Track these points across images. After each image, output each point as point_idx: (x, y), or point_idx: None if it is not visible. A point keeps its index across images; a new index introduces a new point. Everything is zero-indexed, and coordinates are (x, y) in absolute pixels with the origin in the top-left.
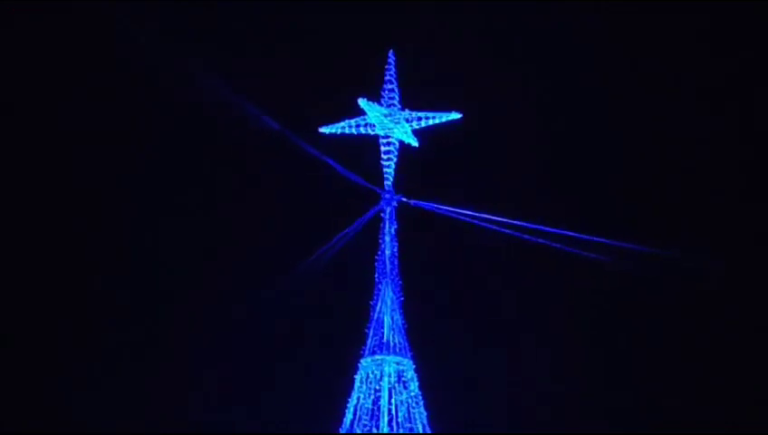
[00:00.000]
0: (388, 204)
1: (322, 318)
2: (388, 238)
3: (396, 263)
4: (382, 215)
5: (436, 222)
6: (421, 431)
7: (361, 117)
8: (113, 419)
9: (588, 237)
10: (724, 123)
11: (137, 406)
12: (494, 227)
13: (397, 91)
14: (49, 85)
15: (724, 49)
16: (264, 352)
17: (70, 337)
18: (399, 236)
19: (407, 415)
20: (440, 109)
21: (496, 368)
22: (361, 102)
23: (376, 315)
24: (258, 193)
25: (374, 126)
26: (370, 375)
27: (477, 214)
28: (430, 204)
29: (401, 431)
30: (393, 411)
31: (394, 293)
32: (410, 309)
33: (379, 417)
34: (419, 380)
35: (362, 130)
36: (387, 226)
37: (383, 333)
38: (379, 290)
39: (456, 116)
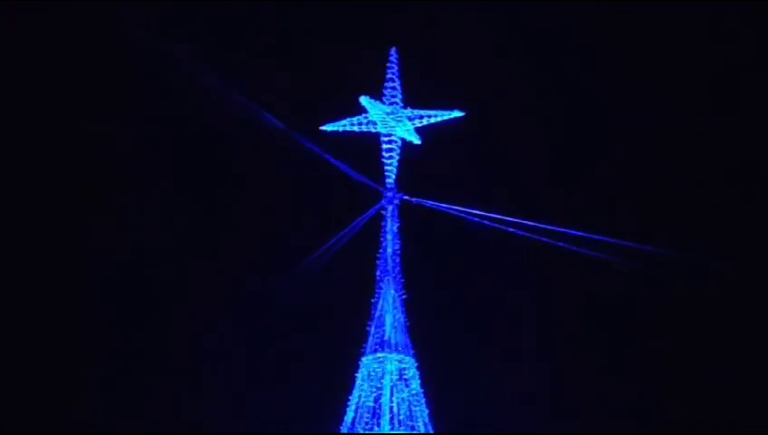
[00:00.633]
0: (390, 202)
1: (324, 316)
2: (389, 236)
3: (398, 261)
4: (384, 213)
5: (438, 220)
6: (423, 430)
7: (363, 115)
8: (112, 419)
9: (590, 235)
10: (728, 122)
11: (137, 406)
12: (496, 226)
13: (399, 89)
14: (50, 85)
15: (727, 48)
16: (265, 350)
17: (69, 338)
18: (401, 233)
19: (408, 413)
20: (443, 107)
21: (498, 366)
22: (363, 100)
23: (378, 313)
24: (261, 191)
25: (376, 124)
26: (372, 373)
27: (479, 212)
28: (432, 202)
29: (402, 429)
30: (395, 409)
31: (396, 290)
32: (412, 307)
33: (380, 415)
34: (421, 378)
35: (364, 127)
36: (389, 223)
37: (385, 331)
38: (381, 288)
39: (458, 114)
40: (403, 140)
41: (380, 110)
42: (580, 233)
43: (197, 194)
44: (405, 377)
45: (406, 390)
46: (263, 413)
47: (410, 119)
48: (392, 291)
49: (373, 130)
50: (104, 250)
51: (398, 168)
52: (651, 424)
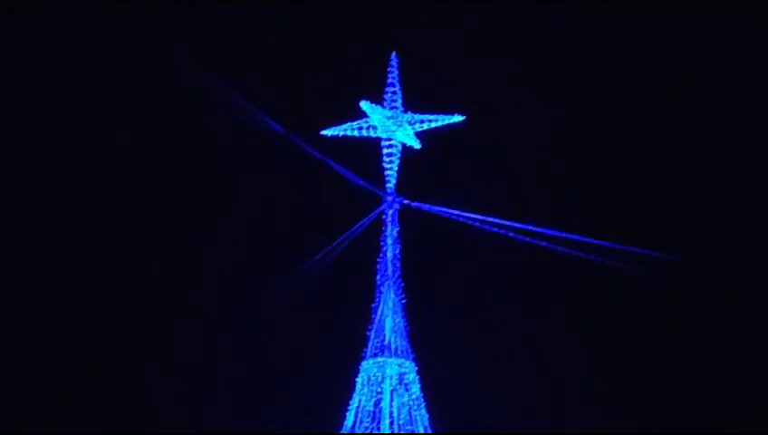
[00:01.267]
0: (391, 206)
1: (324, 320)
2: (390, 241)
3: (398, 265)
4: (384, 217)
5: (439, 225)
6: (423, 434)
7: (364, 119)
8: (110, 419)
9: (591, 241)
10: (727, 124)
11: (137, 406)
12: (497, 230)
13: (399, 93)
14: (49, 85)
15: (728, 52)
16: (265, 355)
17: (67, 338)
18: (401, 238)
19: (408, 418)
20: (443, 111)
21: (499, 371)
22: (363, 105)
23: (378, 318)
24: (260, 195)
25: (376, 128)
26: (372, 378)
27: (480, 217)
28: (433, 206)
29: (403, 434)
30: (394, 414)
31: (396, 295)
32: (412, 311)
33: (380, 419)
34: (421, 382)
35: (364, 132)
36: (389, 228)
37: (385, 336)
38: (381, 292)
39: (458, 118)
40: (403, 144)
41: (381, 114)
42: (584, 238)
43: (197, 197)
44: (405, 381)
45: (406, 394)
46: (262, 417)
47: (410, 123)
48: (392, 295)
49: (373, 135)
50: (102, 250)
51: (399, 172)
52: (650, 425)
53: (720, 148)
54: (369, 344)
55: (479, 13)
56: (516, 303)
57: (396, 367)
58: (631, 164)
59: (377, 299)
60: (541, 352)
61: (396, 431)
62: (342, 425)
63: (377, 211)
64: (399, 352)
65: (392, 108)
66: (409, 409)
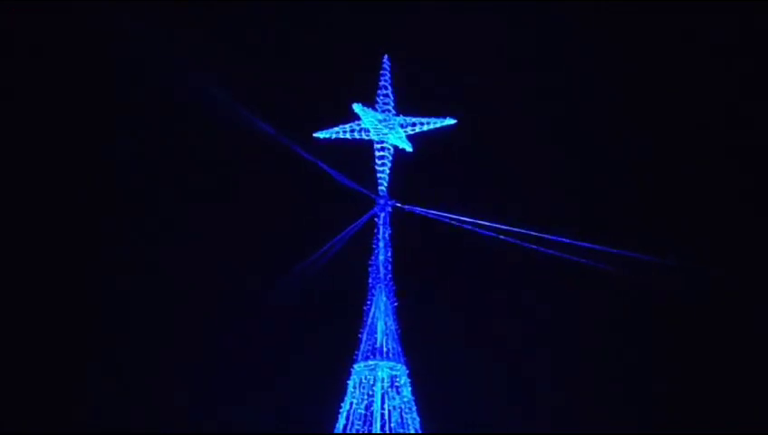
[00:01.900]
0: (383, 209)
1: (316, 323)
2: (381, 244)
3: (389, 268)
4: (376, 220)
5: (431, 227)
6: None
7: (356, 122)
8: (106, 418)
9: (581, 243)
10: (724, 129)
11: (132, 406)
12: (489, 233)
13: (392, 96)
14: (47, 86)
15: (724, 54)
16: (257, 357)
17: (65, 339)
18: (393, 241)
19: (399, 420)
20: (435, 114)
21: (490, 374)
22: (356, 108)
23: (369, 320)
24: (253, 198)
25: (369, 131)
26: (363, 380)
27: (471, 219)
28: (425, 209)
29: None
30: (386, 417)
31: (388, 298)
32: (404, 314)
33: (371, 422)
34: (412, 385)
35: (357, 135)
36: (381, 231)
37: (376, 339)
38: (373, 295)
39: (450, 122)
40: (395, 147)
41: (373, 117)
42: (574, 241)
43: (189, 200)
44: (396, 384)
45: (397, 397)
46: (255, 419)
47: (402, 126)
48: (384, 298)
49: (366, 138)
50: (99, 253)
51: (391, 175)
52: (647, 425)
53: (719, 152)
54: (361, 347)
55: (471, 17)
56: (509, 306)
57: (387, 370)
58: (624, 168)
59: (369, 302)
60: (532, 354)
61: (387, 434)
62: (334, 428)
63: (369, 214)
64: (391, 355)
65: (384, 111)
66: (401, 412)
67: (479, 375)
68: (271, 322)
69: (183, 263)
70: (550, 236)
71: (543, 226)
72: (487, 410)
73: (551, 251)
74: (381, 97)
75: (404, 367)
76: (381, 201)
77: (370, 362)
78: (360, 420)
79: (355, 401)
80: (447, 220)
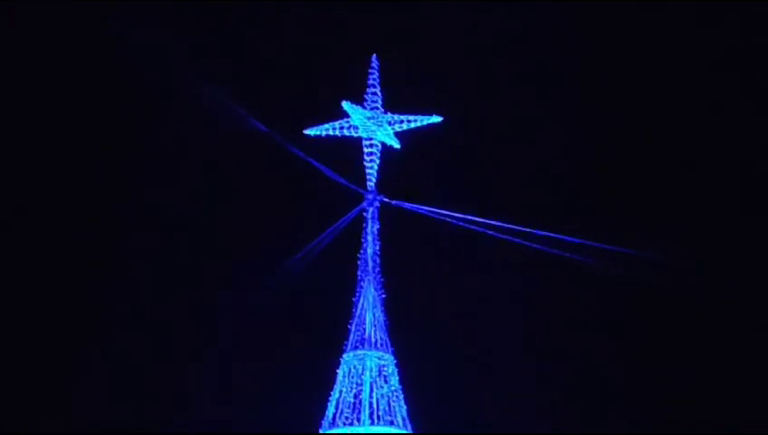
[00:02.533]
0: (371, 204)
1: (307, 314)
2: (370, 238)
3: (378, 261)
4: (365, 214)
5: (417, 222)
6: (401, 425)
7: (345, 119)
8: (102, 418)
9: (564, 238)
10: (700, 122)
11: (126, 401)
12: (474, 227)
13: (380, 94)
14: (46, 86)
15: (701, 51)
16: (248, 348)
17: (64, 339)
18: (381, 235)
19: (387, 409)
20: (422, 112)
21: (476, 364)
22: (345, 105)
23: (358, 312)
24: (245, 193)
25: (357, 128)
26: (352, 370)
27: (457, 214)
28: (412, 204)
29: (382, 425)
30: (374, 405)
31: (376, 290)
32: (391, 306)
33: (360, 410)
34: (400, 374)
35: (346, 132)
36: (369, 225)
37: (365, 329)
38: (362, 287)
39: (437, 119)
40: (383, 143)
41: (361, 114)
42: (556, 235)
43: (181, 195)
44: (384, 374)
45: (385, 386)
46: (246, 408)
47: (390, 123)
48: (372, 290)
49: (354, 135)
50: (94, 247)
51: (379, 171)
52: (626, 419)
53: (703, 150)
54: (350, 337)
55: (457, 17)
56: (493, 297)
57: (375, 359)
58: (608, 163)
59: (357, 294)
60: (516, 343)
61: (375, 422)
62: (324, 415)
63: (357, 209)
64: (379, 345)
65: (373, 108)
66: (388, 400)
67: (464, 365)
68: (261, 313)
69: (174, 258)
70: (532, 231)
71: (526, 219)
72: (472, 399)
73: (534, 245)
74: (370, 95)
75: (392, 357)
76: (370, 196)
77: (359, 352)
78: (348, 407)
79: (344, 389)
80: (434, 215)
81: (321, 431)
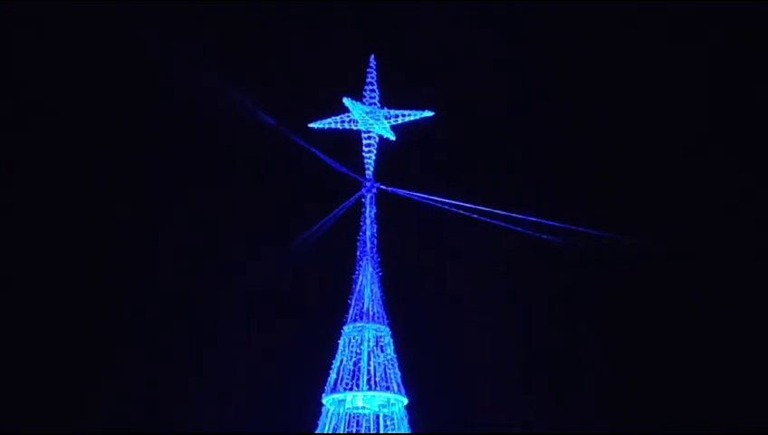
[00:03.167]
0: (369, 191)
1: (311, 290)
2: (368, 221)
3: (375, 242)
4: (363, 200)
5: (411, 206)
6: (395, 390)
7: (346, 114)
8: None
9: (538, 220)
10: (670, 111)
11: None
12: (462, 212)
13: (377, 91)
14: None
15: (663, 44)
16: (256, 320)
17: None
18: (378, 218)
19: (383, 375)
20: (415, 107)
21: (462, 333)
22: (346, 101)
23: (357, 288)
24: (255, 182)
25: (357, 122)
26: (352, 340)
27: (447, 199)
28: (405, 191)
29: (378, 390)
30: (372, 372)
31: (373, 268)
32: (388, 282)
33: (359, 376)
34: (395, 344)
35: (347, 125)
36: (367, 209)
37: (363, 304)
38: (361, 266)
39: (428, 114)
40: (380, 136)
41: (360, 109)
42: (531, 218)
43: (199, 183)
44: (381, 344)
45: (381, 355)
46: (256, 374)
47: (386, 117)
48: (370, 268)
49: (354, 128)
50: (101, 239)
51: (376, 161)
52: (606, 393)
53: (684, 140)
54: (350, 311)
55: (447, 23)
56: (479, 275)
57: (373, 331)
58: (581, 151)
59: (356, 272)
60: (500, 316)
61: (373, 387)
62: (326, 381)
63: (357, 195)
64: (376, 317)
65: (371, 104)
66: (385, 368)
67: (453, 335)
68: (270, 289)
69: (192, 239)
70: (511, 214)
71: (508, 205)
72: (460, 366)
73: (512, 227)
74: (368, 92)
75: (387, 328)
76: (368, 184)
77: (358, 324)
78: (348, 374)
79: (345, 357)
80: (426, 200)
81: (324, 395)
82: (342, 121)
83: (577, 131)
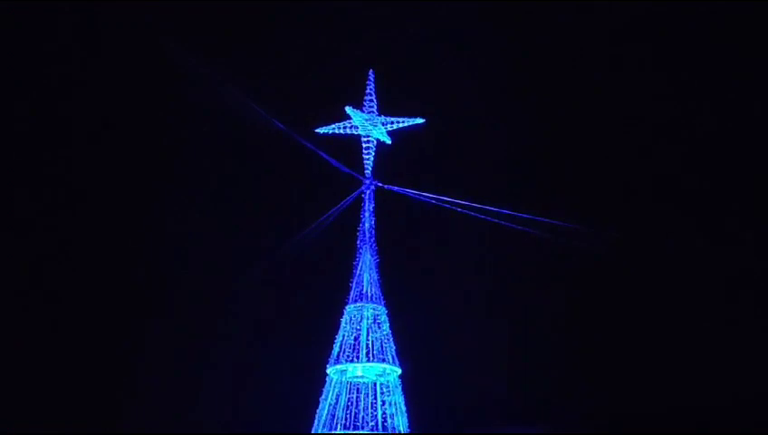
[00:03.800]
0: (368, 188)
1: (317, 274)
2: (367, 214)
3: (373, 233)
4: (363, 196)
5: (405, 201)
6: (390, 362)
7: (348, 121)
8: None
9: (517, 214)
10: (632, 105)
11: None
12: (450, 207)
13: (375, 100)
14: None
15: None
16: (269, 300)
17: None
18: (376, 212)
19: (380, 349)
20: (408, 115)
21: (451, 313)
22: (348, 110)
23: (357, 272)
24: (267, 179)
25: (357, 128)
26: (353, 318)
27: (437, 196)
28: (400, 188)
29: (375, 361)
30: (370, 346)
31: (371, 255)
32: (384, 268)
33: (359, 350)
34: (390, 322)
35: (348, 130)
36: (366, 204)
37: (363, 286)
38: (360, 253)
39: (419, 121)
40: (378, 140)
41: (360, 117)
42: (509, 211)
43: (215, 182)
44: (378, 321)
45: (378, 331)
46: (266, 348)
47: (383, 124)
48: (369, 255)
49: (355, 133)
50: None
51: (374, 161)
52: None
53: (647, 133)
54: (351, 293)
55: (436, 42)
56: (465, 261)
57: (371, 310)
58: (554, 148)
59: (357, 258)
60: (483, 296)
61: (371, 359)
62: (330, 354)
63: (357, 191)
64: (374, 298)
65: (369, 112)
66: (381, 342)
67: (442, 314)
68: (280, 274)
69: (205, 230)
70: (493, 208)
71: (492, 200)
72: (449, 341)
73: (495, 220)
74: (367, 101)
75: (384, 308)
76: (367, 181)
77: (358, 304)
78: (350, 348)
79: (346, 333)
80: (418, 196)
81: (328, 366)
82: (345, 127)
83: (551, 132)
